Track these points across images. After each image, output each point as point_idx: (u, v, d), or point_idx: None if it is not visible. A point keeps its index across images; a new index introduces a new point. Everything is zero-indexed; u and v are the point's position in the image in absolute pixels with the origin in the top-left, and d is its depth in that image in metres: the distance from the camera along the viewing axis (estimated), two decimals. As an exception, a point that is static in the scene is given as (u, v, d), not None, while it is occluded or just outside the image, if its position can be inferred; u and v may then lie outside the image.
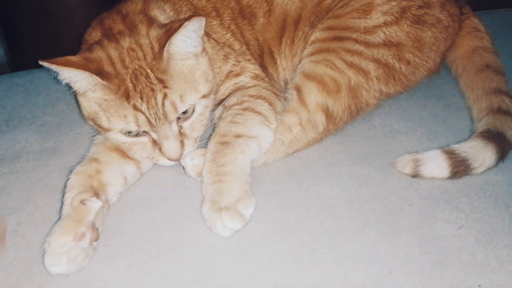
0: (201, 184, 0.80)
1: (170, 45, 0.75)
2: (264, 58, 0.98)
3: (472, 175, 0.84)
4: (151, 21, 0.82)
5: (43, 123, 0.99)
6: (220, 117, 0.86)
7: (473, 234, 0.74)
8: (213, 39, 0.91)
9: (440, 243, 0.73)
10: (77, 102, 0.83)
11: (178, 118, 0.79)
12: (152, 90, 0.75)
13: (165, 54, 0.76)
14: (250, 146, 0.80)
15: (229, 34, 0.93)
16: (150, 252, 0.73)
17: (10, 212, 0.80)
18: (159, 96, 0.75)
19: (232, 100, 0.88)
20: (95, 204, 0.73)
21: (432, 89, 1.05)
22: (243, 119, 0.83)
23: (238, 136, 0.81)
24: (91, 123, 0.82)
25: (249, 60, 0.93)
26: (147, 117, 0.75)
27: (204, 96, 0.80)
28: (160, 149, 0.79)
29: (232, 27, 0.94)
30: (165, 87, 0.76)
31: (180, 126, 0.80)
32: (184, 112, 0.79)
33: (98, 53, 0.78)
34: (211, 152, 0.80)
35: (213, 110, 0.89)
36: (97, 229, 0.73)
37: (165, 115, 0.76)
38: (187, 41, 0.77)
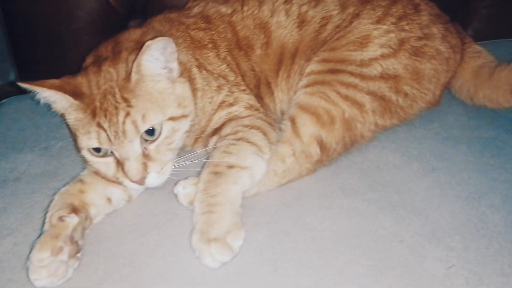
0: (193, 213, 0.85)
1: (138, 66, 0.82)
2: (260, 88, 1.04)
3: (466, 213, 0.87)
4: (138, 48, 0.88)
5: (46, 147, 1.07)
6: (214, 147, 0.91)
7: (463, 274, 0.76)
8: (207, 70, 0.97)
9: (428, 282, 0.75)
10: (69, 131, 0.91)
11: (146, 140, 0.84)
12: (116, 108, 0.81)
13: (133, 75, 0.82)
14: (242, 177, 0.85)
15: (225, 65, 0.99)
16: (140, 278, 0.77)
17: (8, 233, 0.86)
18: (122, 114, 0.81)
19: (227, 130, 0.93)
20: (72, 220, 0.80)
21: (432, 121, 1.08)
22: (236, 149, 0.88)
23: (231, 166, 0.86)
24: (74, 146, 0.89)
25: (243, 90, 0.98)
26: (107, 134, 0.81)
27: (172, 119, 0.85)
28: (123, 170, 0.83)
29: (228, 58, 1.00)
30: (129, 106, 0.82)
31: (145, 148, 0.84)
32: (151, 135, 0.83)
33: (79, 77, 0.87)
34: (203, 182, 0.85)
35: (207, 140, 0.95)
36: (76, 242, 0.79)
37: (124, 132, 0.81)
38: (155, 62, 0.83)
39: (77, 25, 1.24)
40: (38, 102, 0.88)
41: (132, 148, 0.83)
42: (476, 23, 1.42)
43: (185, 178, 0.89)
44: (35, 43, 1.27)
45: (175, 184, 0.89)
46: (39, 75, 1.24)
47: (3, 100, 1.22)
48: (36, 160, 1.03)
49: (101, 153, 0.85)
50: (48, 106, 0.90)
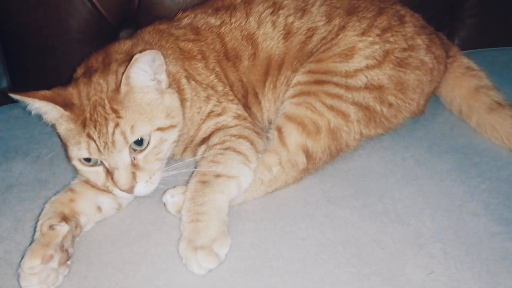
0: (180, 221, 0.88)
1: (127, 78, 0.86)
2: (248, 98, 1.08)
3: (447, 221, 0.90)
4: (128, 60, 0.91)
5: (38, 155, 1.10)
6: (202, 157, 0.95)
7: (442, 280, 0.80)
8: (195, 80, 1.01)
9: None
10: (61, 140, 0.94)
11: (134, 150, 0.87)
12: (106, 119, 0.85)
13: (122, 87, 0.86)
14: (229, 186, 0.89)
15: (213, 76, 1.03)
16: (128, 285, 0.81)
17: (0, 241, 0.90)
18: (111, 125, 0.85)
19: (215, 139, 0.97)
20: (63, 228, 0.84)
21: (416, 130, 1.12)
22: (223, 158, 0.92)
23: (218, 175, 0.89)
24: (65, 156, 0.93)
25: (231, 100, 1.02)
26: (97, 145, 0.85)
27: (160, 129, 0.88)
28: (112, 179, 0.87)
29: (217, 69, 1.04)
30: (118, 117, 0.85)
31: (134, 158, 0.87)
32: (140, 145, 0.87)
33: (70, 88, 0.91)
34: (190, 191, 0.88)
35: (195, 149, 0.99)
36: (66, 250, 0.83)
37: (113, 143, 0.84)
38: (143, 74, 0.87)
39: (70, 35, 1.28)
40: (29, 112, 0.92)
41: (121, 158, 0.86)
42: (463, 32, 1.47)
43: (174, 187, 0.93)
44: (28, 52, 1.31)
45: (164, 192, 0.93)
46: (32, 83, 1.28)
47: (-5, 109, 1.27)
48: (28, 168, 1.06)
49: (91, 163, 0.88)
50: (39, 116, 0.93)
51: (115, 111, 0.86)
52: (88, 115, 0.86)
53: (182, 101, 0.96)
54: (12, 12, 1.27)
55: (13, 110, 1.26)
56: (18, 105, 1.25)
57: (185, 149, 1.01)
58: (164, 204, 0.92)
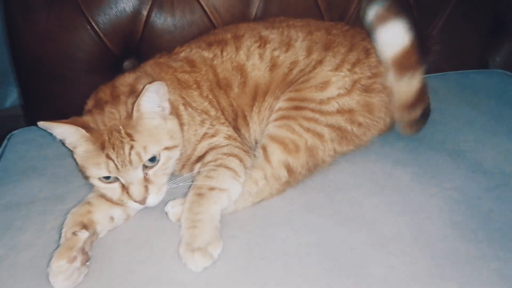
0: (180, 228, 1.08)
1: (138, 105, 1.05)
2: (238, 121, 1.29)
3: (406, 224, 1.11)
4: (133, 92, 1.11)
5: (53, 173, 1.29)
6: (198, 172, 1.15)
7: (400, 274, 0.99)
8: (191, 107, 1.21)
9: (371, 280, 0.99)
10: (76, 163, 1.13)
11: (146, 167, 1.06)
12: (122, 142, 1.03)
13: (134, 114, 1.05)
14: (221, 198, 1.08)
15: (207, 103, 1.24)
16: (136, 282, 0.99)
17: (26, 248, 1.08)
18: (127, 147, 1.03)
19: (208, 157, 1.17)
20: (83, 234, 1.03)
21: (384, 146, 1.33)
22: (216, 174, 1.12)
23: (211, 188, 1.09)
24: (82, 176, 1.11)
25: (223, 123, 1.23)
26: (115, 164, 1.03)
27: (167, 148, 1.08)
28: (127, 193, 1.05)
29: (210, 96, 1.25)
30: (133, 140, 1.04)
31: (146, 173, 1.07)
32: (152, 161, 1.06)
33: (86, 117, 1.09)
34: (188, 202, 1.08)
35: (192, 166, 1.19)
36: (87, 252, 1.02)
37: (130, 162, 1.03)
38: (151, 102, 1.06)
39: (78, 66, 1.49)
40: (44, 133, 1.09)
41: (136, 174, 1.05)
42: (430, 57, 1.70)
43: (174, 199, 1.13)
44: (40, 82, 1.51)
45: (165, 204, 1.13)
46: (44, 109, 1.49)
47: (13, 132, 1.47)
48: (46, 185, 1.25)
49: (109, 180, 1.07)
50: (53, 137, 1.10)
51: (129, 135, 1.04)
52: (106, 138, 1.04)
53: (181, 125, 1.16)
54: (26, 45, 1.48)
55: (29, 133, 1.45)
56: (33, 128, 1.47)
57: (183, 167, 1.21)
58: (166, 213, 1.12)
